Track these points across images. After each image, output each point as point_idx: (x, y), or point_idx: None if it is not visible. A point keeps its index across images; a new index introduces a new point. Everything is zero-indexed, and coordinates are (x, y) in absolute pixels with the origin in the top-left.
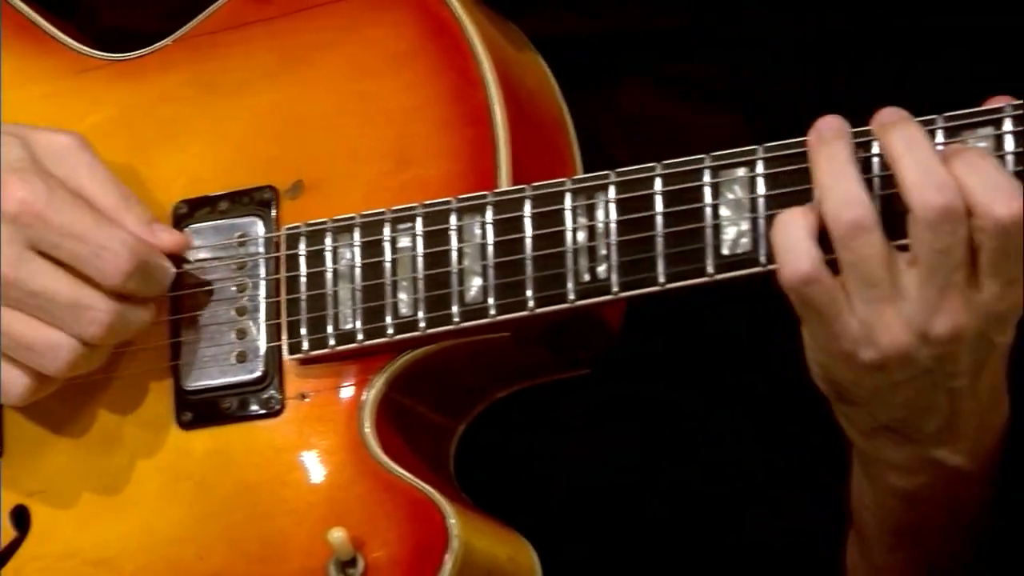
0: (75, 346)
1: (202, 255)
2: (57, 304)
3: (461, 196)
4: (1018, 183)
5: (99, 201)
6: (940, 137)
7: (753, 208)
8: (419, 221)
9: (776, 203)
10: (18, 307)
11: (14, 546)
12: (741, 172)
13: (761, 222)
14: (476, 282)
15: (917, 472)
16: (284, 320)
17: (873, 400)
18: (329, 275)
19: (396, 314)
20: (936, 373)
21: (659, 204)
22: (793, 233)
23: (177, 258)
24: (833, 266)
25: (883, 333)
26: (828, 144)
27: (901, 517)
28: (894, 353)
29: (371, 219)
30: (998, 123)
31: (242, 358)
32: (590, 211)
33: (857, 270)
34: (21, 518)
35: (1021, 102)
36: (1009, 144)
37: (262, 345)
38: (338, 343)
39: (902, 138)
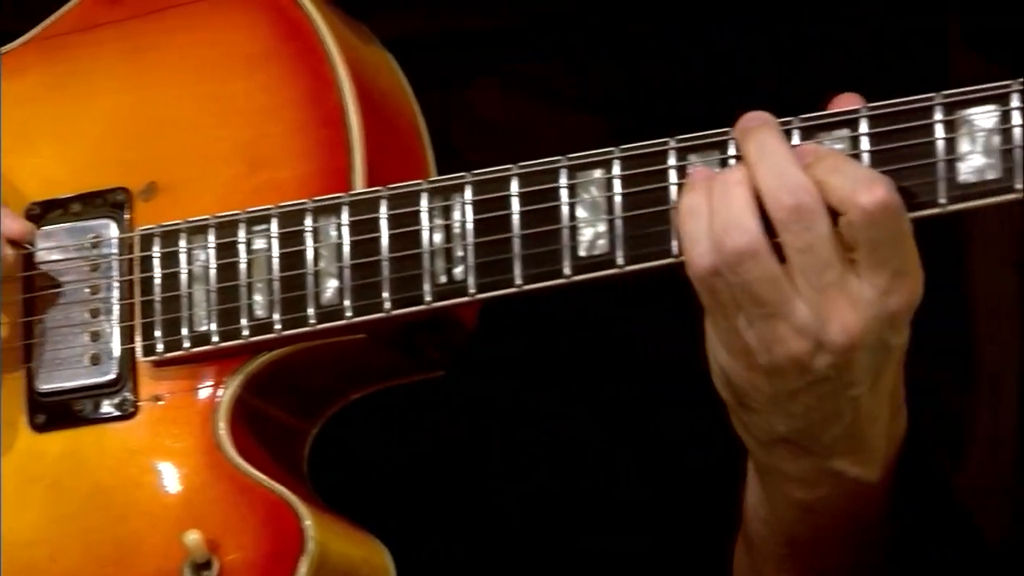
0: None
1: (55, 257)
2: None
3: (316, 197)
4: (880, 174)
5: None
6: (796, 138)
7: (610, 209)
8: (274, 223)
9: (633, 204)
10: None
11: None
12: (597, 173)
13: (618, 223)
14: (332, 284)
15: (816, 484)
16: (138, 322)
17: (772, 407)
18: (183, 277)
19: (251, 316)
20: (835, 381)
21: (515, 205)
22: (700, 223)
23: (29, 260)
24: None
25: (777, 344)
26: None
27: (797, 528)
28: (789, 362)
29: (225, 221)
30: (854, 124)
31: (96, 360)
32: (446, 212)
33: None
34: None
35: (876, 104)
36: (864, 144)
37: (116, 347)
38: (193, 345)
39: (756, 144)
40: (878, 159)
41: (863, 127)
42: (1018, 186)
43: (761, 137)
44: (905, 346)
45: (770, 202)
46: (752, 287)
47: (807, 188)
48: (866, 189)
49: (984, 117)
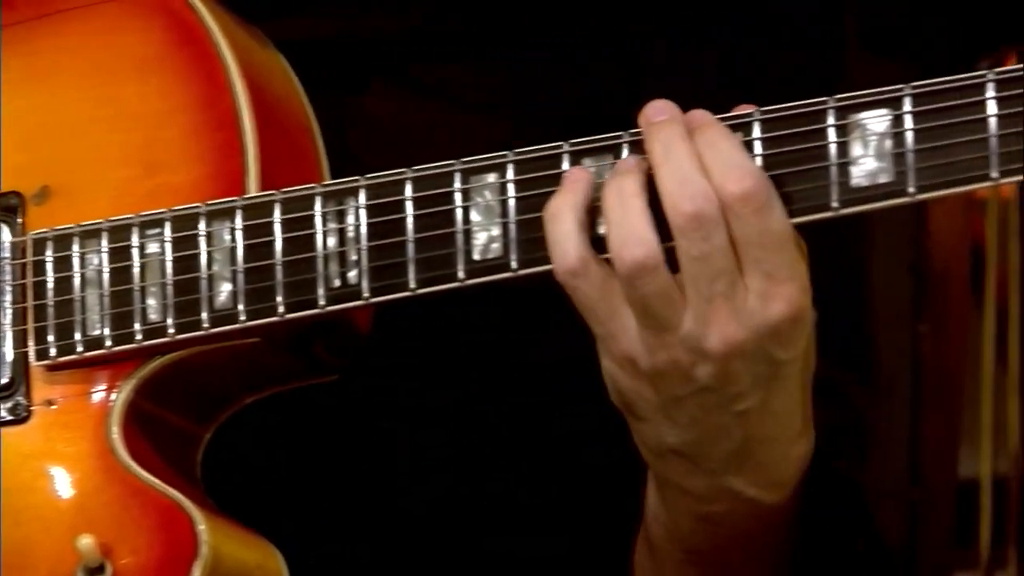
0: None
1: None
2: None
3: (210, 202)
4: (756, 168)
5: None
6: None
7: (504, 213)
8: (167, 227)
9: (526, 208)
10: None
11: None
12: (491, 177)
13: (512, 227)
14: (226, 288)
15: (713, 500)
16: (31, 326)
17: (658, 416)
18: (76, 281)
19: (145, 320)
20: (718, 392)
21: (410, 209)
22: (563, 225)
23: None
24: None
25: (660, 350)
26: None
27: (697, 539)
28: (671, 368)
29: (119, 225)
30: (747, 128)
31: None
32: (340, 216)
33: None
34: None
35: (768, 108)
36: (757, 148)
37: (8, 351)
38: (86, 349)
39: (662, 145)
40: (771, 163)
41: (756, 131)
42: (911, 189)
43: (667, 136)
44: (806, 367)
45: (669, 207)
46: (646, 300)
47: (708, 196)
48: (735, 179)
49: (877, 121)
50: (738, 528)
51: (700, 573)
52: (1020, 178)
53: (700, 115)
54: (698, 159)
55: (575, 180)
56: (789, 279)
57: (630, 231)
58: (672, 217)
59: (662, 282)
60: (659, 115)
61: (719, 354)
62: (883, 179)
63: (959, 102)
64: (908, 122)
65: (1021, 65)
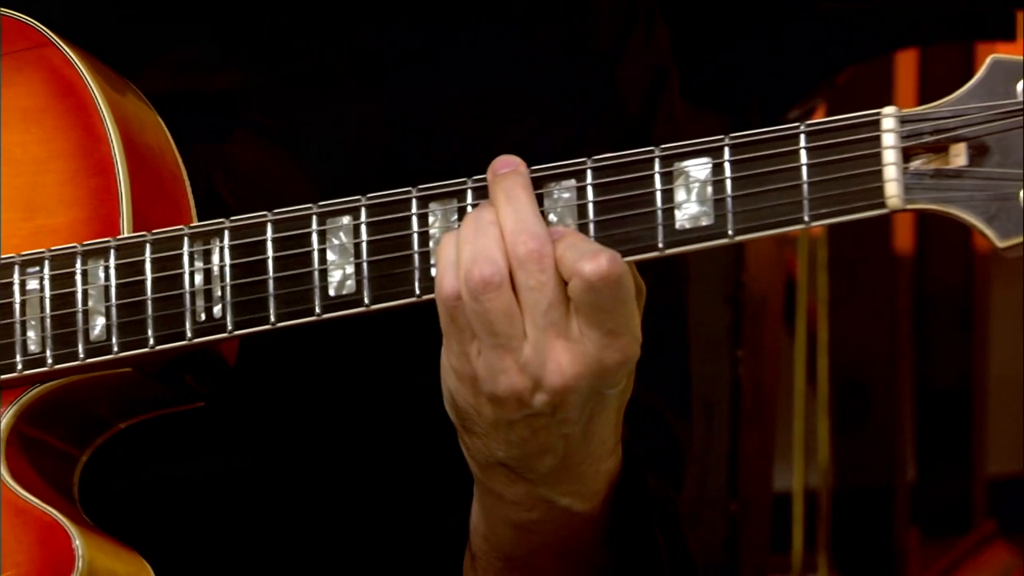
0: None
1: None
2: None
3: (86, 242)
4: (604, 248)
5: None
6: None
7: (357, 253)
8: (46, 265)
9: (378, 249)
10: None
11: None
12: (346, 220)
13: (365, 266)
14: (100, 321)
15: (531, 508)
16: None
17: (491, 433)
18: None
19: (25, 351)
20: (549, 417)
21: (270, 250)
22: (452, 252)
23: None
24: None
25: (501, 375)
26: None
27: (513, 546)
28: (510, 394)
29: (1, 263)
30: (580, 175)
31: None
32: (206, 256)
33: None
34: None
35: (600, 156)
36: (590, 194)
37: None
38: None
39: (504, 191)
40: (602, 208)
41: (589, 178)
42: (730, 232)
43: (508, 184)
44: (624, 395)
45: (510, 243)
46: (489, 315)
47: (543, 236)
48: (589, 260)
49: (699, 168)
50: (551, 535)
51: None
52: (829, 222)
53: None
54: (534, 204)
55: (469, 217)
56: (628, 333)
57: (481, 251)
58: (512, 250)
59: (506, 299)
60: (504, 167)
61: (555, 386)
62: (704, 222)
63: (774, 151)
64: (727, 170)
65: (831, 117)
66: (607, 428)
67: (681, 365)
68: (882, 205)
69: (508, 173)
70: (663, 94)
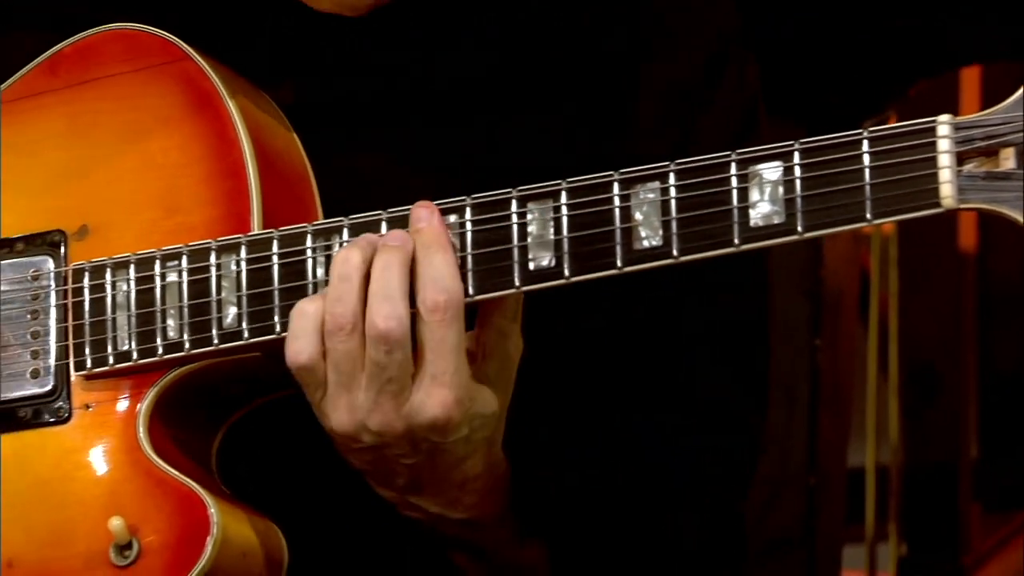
0: None
1: (2, 288)
2: None
3: (220, 238)
4: (449, 282)
5: None
6: (616, 189)
7: (462, 247)
8: (184, 259)
9: (480, 243)
10: None
11: None
12: (452, 219)
13: (469, 259)
14: (232, 310)
15: (406, 508)
16: (71, 342)
17: (348, 453)
18: (109, 304)
19: (165, 337)
20: (383, 450)
21: None
22: (305, 323)
23: None
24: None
25: (333, 413)
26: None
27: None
28: (341, 432)
29: (144, 257)
30: (664, 177)
31: (36, 375)
32: (328, 250)
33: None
34: None
35: (682, 160)
36: (672, 192)
37: (53, 363)
38: (116, 362)
39: (381, 261)
40: (683, 206)
41: (672, 179)
42: (799, 229)
43: (390, 257)
44: (475, 437)
45: (368, 318)
46: (337, 356)
47: (400, 319)
48: (433, 288)
49: (771, 171)
50: (444, 527)
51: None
52: (890, 220)
53: (434, 230)
54: (408, 279)
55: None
56: (448, 386)
57: (343, 310)
58: (368, 327)
59: (352, 347)
60: (392, 240)
61: (375, 431)
62: (776, 220)
63: (839, 155)
64: (797, 172)
65: (891, 124)
66: (459, 460)
67: (762, 356)
68: (937, 204)
69: (395, 245)
70: (754, 124)
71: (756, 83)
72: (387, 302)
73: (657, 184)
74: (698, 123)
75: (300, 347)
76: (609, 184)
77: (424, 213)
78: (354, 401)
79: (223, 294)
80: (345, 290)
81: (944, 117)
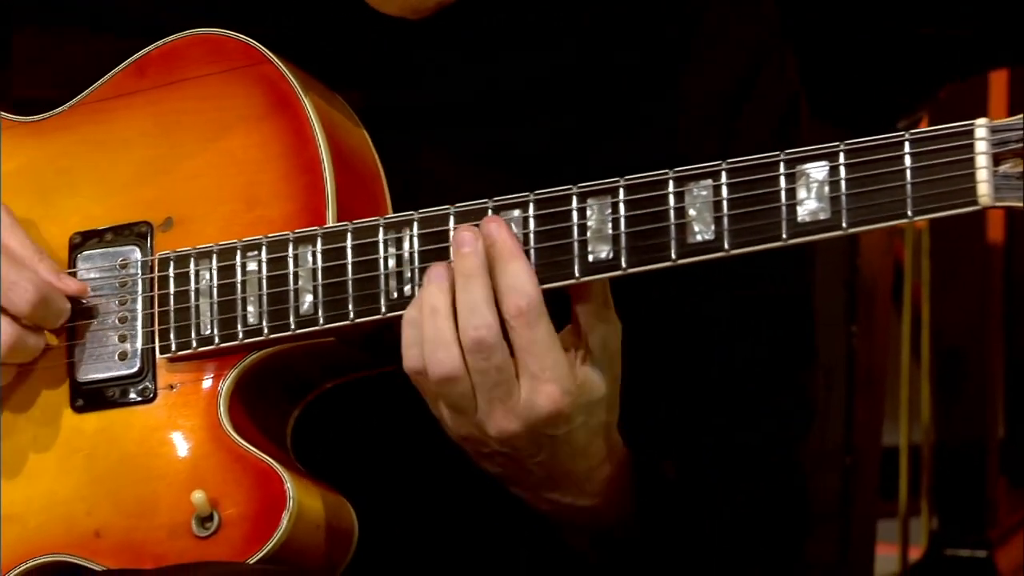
0: None
1: (93, 275)
2: None
3: (297, 230)
4: (526, 285)
5: (16, 252)
6: (671, 187)
7: (526, 241)
8: (264, 249)
9: (543, 238)
10: None
11: None
12: (516, 213)
13: (532, 252)
14: (308, 298)
15: (538, 503)
16: (156, 327)
17: (481, 459)
18: (192, 292)
19: (245, 323)
20: (510, 455)
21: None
22: (416, 332)
23: (73, 278)
24: None
25: (460, 428)
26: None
27: (552, 518)
28: (468, 443)
29: (226, 248)
30: (716, 175)
31: (123, 357)
32: (399, 243)
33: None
34: None
35: (733, 159)
36: (724, 192)
37: (139, 347)
38: (199, 345)
39: (463, 276)
40: (734, 203)
41: (724, 178)
42: (844, 225)
43: (467, 268)
44: (583, 430)
45: (461, 331)
46: (450, 399)
47: (490, 326)
48: (514, 295)
49: (817, 170)
50: (573, 516)
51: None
52: (929, 217)
53: (505, 243)
54: (490, 288)
55: (424, 297)
56: (551, 380)
57: (439, 345)
58: (463, 339)
59: (461, 389)
60: (464, 246)
61: (496, 438)
62: (822, 216)
63: (882, 156)
64: (842, 172)
65: (932, 127)
66: (578, 452)
67: (808, 339)
68: (975, 202)
69: (468, 253)
70: (795, 118)
71: (795, 75)
72: (474, 313)
73: (710, 182)
74: (741, 115)
75: (414, 354)
76: (664, 182)
77: (493, 228)
78: (477, 417)
79: (300, 283)
80: (442, 330)
81: (981, 121)
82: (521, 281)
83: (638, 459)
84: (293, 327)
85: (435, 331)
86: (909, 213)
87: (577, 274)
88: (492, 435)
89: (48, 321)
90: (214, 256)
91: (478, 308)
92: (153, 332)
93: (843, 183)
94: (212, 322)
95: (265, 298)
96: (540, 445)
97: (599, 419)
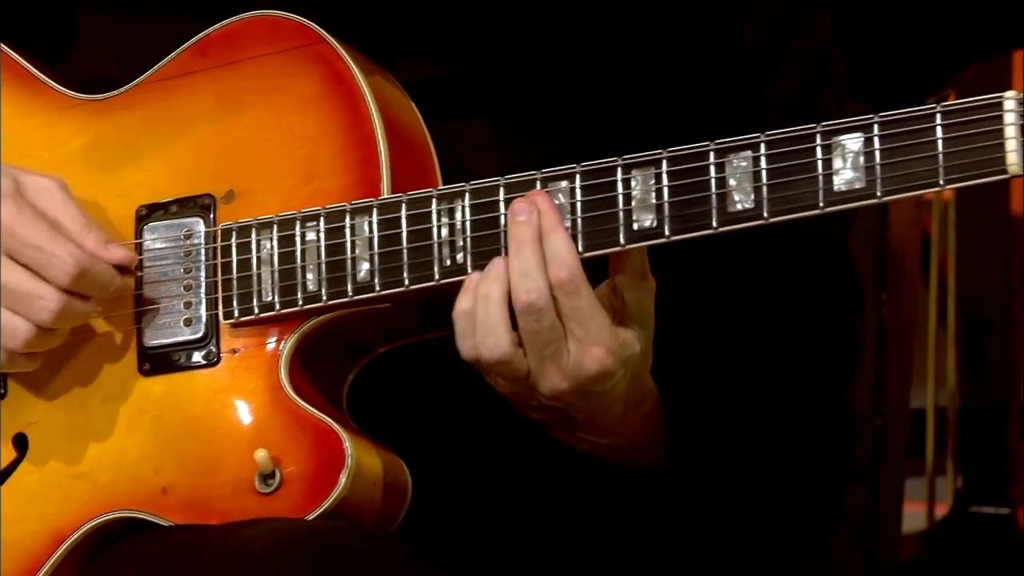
0: (31, 328)
1: (158, 246)
2: (18, 294)
3: (353, 202)
4: (568, 258)
5: (65, 225)
6: (712, 158)
7: (573, 211)
8: (322, 220)
9: (590, 207)
10: None
11: (15, 464)
12: (563, 184)
13: (579, 222)
14: (365, 266)
15: (578, 444)
16: (220, 295)
17: (527, 409)
18: (254, 261)
19: (304, 290)
20: (558, 408)
21: (502, 208)
22: (468, 323)
23: (139, 248)
24: None
25: (514, 384)
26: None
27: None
28: (517, 395)
29: (286, 219)
30: (756, 147)
31: (188, 323)
32: (451, 213)
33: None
34: (21, 443)
35: (771, 131)
36: (763, 162)
37: (204, 313)
38: (260, 311)
39: (515, 242)
40: (773, 174)
41: (762, 149)
42: (878, 193)
43: (521, 235)
44: (635, 370)
45: (513, 295)
46: (503, 376)
47: (540, 290)
48: (557, 266)
49: (853, 141)
50: (608, 454)
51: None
52: (960, 185)
53: (548, 215)
54: (541, 256)
55: (474, 284)
56: (596, 343)
57: (489, 330)
58: (515, 303)
59: (515, 367)
60: (520, 215)
61: (548, 395)
62: (857, 185)
63: (915, 127)
64: (876, 143)
65: (962, 100)
66: (611, 404)
67: (854, 280)
68: (1004, 171)
69: (522, 222)
70: (825, 78)
71: (827, 31)
72: (526, 277)
73: (749, 153)
74: (778, 75)
75: (469, 346)
76: (706, 153)
77: (539, 200)
78: (530, 378)
79: (357, 251)
80: (493, 313)
81: (1011, 93)
82: (562, 252)
83: (669, 401)
84: (350, 294)
85: (486, 317)
86: (941, 182)
87: (622, 241)
88: (544, 393)
89: (93, 290)
90: (275, 226)
91: (530, 272)
92: (217, 299)
93: (877, 153)
94: (273, 289)
95: (323, 266)
96: (586, 398)
97: (635, 369)
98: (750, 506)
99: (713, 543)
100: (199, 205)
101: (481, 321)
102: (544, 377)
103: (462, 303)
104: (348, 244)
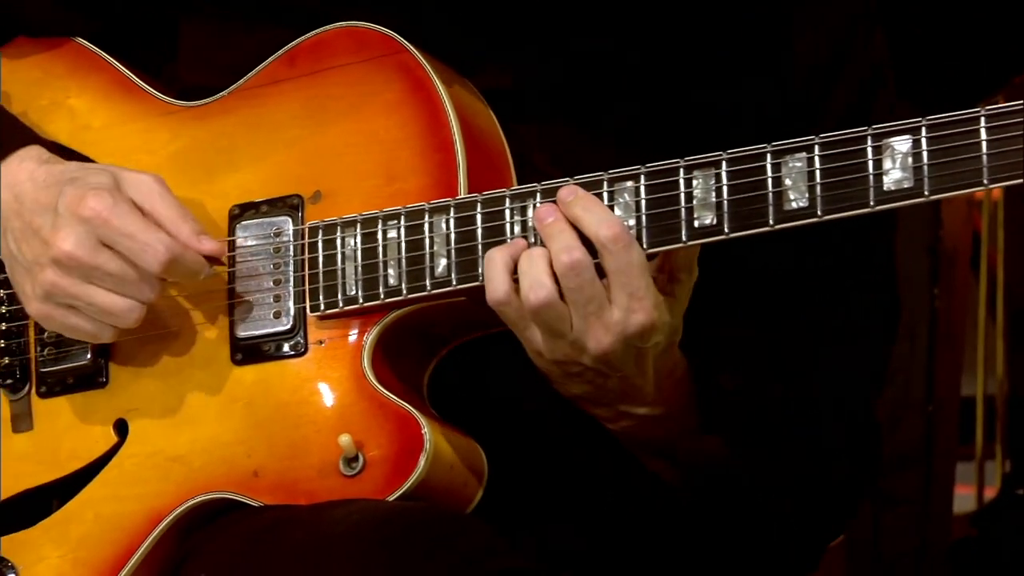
0: (130, 306)
1: (250, 243)
2: (113, 279)
3: (432, 201)
4: (616, 217)
5: (161, 216)
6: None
7: (637, 208)
8: (402, 219)
9: (654, 204)
10: (91, 281)
11: (116, 448)
12: (629, 184)
13: (644, 218)
14: (443, 262)
15: (617, 419)
16: (307, 288)
17: (565, 380)
18: (339, 257)
19: (386, 284)
20: (600, 370)
21: None
22: (494, 268)
23: (232, 245)
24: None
25: (559, 348)
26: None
27: (626, 438)
28: (566, 358)
29: (369, 217)
30: (809, 148)
31: (277, 315)
32: (523, 211)
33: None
34: (122, 428)
35: (825, 134)
36: (817, 163)
37: (292, 306)
38: (345, 305)
39: (545, 232)
40: (826, 173)
41: (816, 150)
42: (925, 192)
43: (542, 214)
44: (666, 341)
45: (554, 260)
46: (547, 324)
47: (577, 247)
48: (607, 226)
49: (901, 143)
50: (643, 433)
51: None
52: (1004, 184)
53: (582, 195)
54: (575, 227)
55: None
56: (646, 297)
57: (534, 278)
58: (556, 266)
59: (557, 313)
60: (547, 218)
61: (594, 354)
62: (906, 185)
63: (960, 130)
64: (924, 144)
65: (1007, 104)
66: (647, 367)
67: (893, 299)
68: None
69: (552, 221)
70: (879, 91)
71: (883, 46)
72: (560, 237)
73: (804, 155)
74: (837, 82)
75: (537, 287)
76: (763, 155)
77: (572, 188)
78: (575, 335)
79: (435, 248)
80: (537, 264)
81: None
82: (607, 215)
83: (699, 372)
84: (429, 288)
85: (530, 263)
86: (985, 181)
87: (684, 238)
88: (589, 350)
89: (184, 278)
90: (358, 225)
91: (563, 235)
92: (304, 293)
93: (925, 155)
94: (357, 284)
95: (404, 262)
96: (629, 356)
97: (670, 338)
98: (771, 497)
99: (732, 529)
100: (288, 205)
101: (524, 268)
102: (590, 334)
103: (493, 251)
104: (427, 241)
